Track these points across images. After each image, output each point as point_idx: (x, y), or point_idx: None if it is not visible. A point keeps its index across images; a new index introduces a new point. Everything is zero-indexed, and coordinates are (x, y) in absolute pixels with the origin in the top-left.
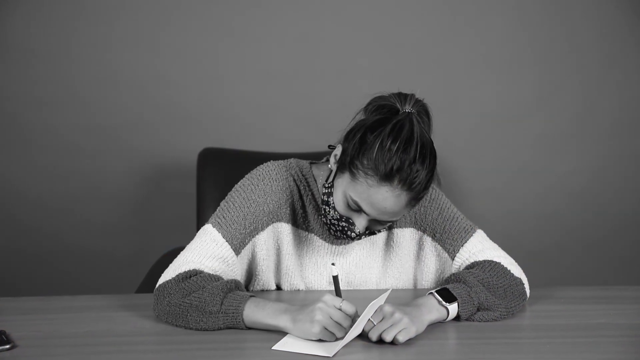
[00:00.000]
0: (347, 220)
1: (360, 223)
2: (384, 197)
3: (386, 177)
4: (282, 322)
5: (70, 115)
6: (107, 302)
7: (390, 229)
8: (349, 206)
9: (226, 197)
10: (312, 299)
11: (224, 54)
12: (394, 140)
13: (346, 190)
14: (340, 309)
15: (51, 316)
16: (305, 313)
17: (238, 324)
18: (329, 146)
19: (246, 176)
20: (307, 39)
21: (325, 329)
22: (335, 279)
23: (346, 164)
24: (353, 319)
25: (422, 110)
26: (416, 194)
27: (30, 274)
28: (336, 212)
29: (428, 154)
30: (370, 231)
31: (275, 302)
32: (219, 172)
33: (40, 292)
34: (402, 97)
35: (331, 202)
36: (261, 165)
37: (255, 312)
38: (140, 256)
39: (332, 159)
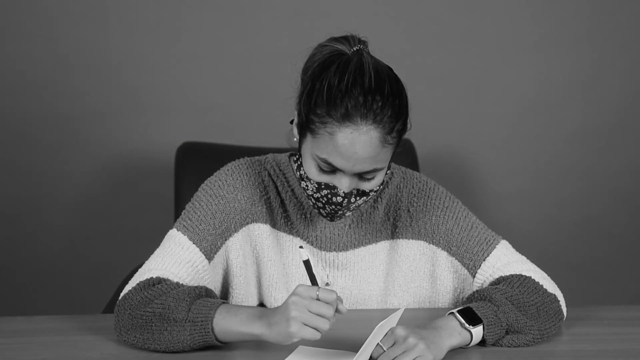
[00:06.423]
0: (327, 185)
1: (342, 183)
2: (351, 140)
3: (345, 118)
4: (257, 328)
5: (22, 101)
6: (69, 324)
7: (393, 238)
8: (322, 170)
9: (192, 199)
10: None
11: (205, 33)
12: (341, 76)
13: (313, 153)
14: (317, 299)
15: (1, 341)
16: (279, 313)
17: (207, 335)
18: (291, 121)
19: (214, 174)
20: (304, 14)
21: (306, 325)
22: (307, 264)
23: (304, 125)
24: (337, 308)
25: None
26: (386, 126)
27: None
28: (314, 184)
29: (386, 79)
30: (360, 192)
31: (250, 307)
32: (201, 170)
33: None
34: (344, 39)
35: (304, 174)
36: (231, 162)
37: (226, 319)
38: (108, 270)
39: (294, 130)
